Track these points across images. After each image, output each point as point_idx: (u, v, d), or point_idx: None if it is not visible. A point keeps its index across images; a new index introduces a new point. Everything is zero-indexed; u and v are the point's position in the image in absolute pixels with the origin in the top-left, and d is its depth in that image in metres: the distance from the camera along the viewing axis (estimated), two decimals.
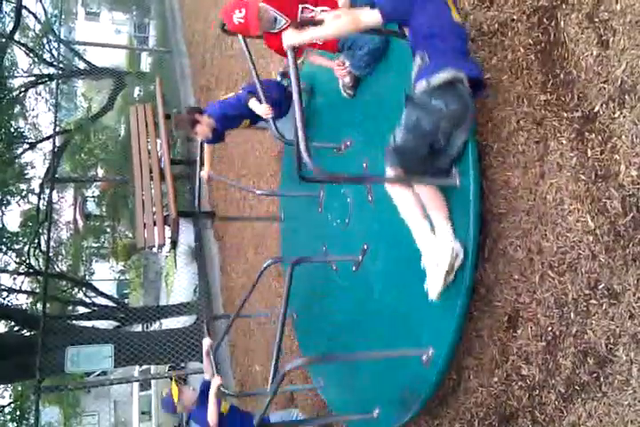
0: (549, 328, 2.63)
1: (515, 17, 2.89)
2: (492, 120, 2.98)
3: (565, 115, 2.58)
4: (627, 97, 2.30)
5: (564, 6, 2.61)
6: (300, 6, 3.53)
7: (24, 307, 12.30)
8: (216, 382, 4.20)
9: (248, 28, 3.59)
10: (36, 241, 12.56)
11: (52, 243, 11.23)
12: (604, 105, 2.40)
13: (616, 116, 2.35)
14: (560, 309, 2.58)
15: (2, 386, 11.50)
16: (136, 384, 17.40)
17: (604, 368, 2.36)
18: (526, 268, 2.76)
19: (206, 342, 4.69)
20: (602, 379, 2.37)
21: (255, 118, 4.74)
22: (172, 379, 4.61)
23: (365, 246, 3.75)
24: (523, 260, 2.79)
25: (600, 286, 2.40)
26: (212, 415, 4.07)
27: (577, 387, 2.48)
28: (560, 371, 2.57)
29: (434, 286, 2.87)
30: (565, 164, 2.57)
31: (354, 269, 3.87)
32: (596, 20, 2.44)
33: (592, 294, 2.43)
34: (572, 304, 2.52)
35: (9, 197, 11.26)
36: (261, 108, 4.40)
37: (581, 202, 2.49)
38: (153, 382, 15.34)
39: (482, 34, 3.09)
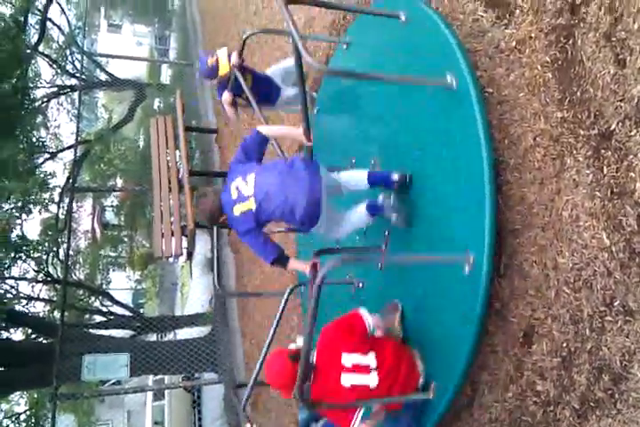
0: (564, 344, 2.63)
1: (532, 35, 2.92)
2: (509, 137, 3.01)
3: (582, 132, 2.60)
4: None
5: (581, 25, 2.64)
6: None
7: (41, 315, 12.41)
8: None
9: None
10: (55, 249, 12.69)
11: (70, 251, 11.35)
12: (621, 123, 2.42)
13: (632, 134, 2.37)
14: (575, 325, 2.59)
15: (17, 393, 11.58)
16: (150, 394, 17.40)
17: (619, 385, 2.36)
18: (542, 284, 2.78)
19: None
20: (617, 396, 2.37)
21: None
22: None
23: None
24: (538, 276, 2.80)
25: (615, 303, 2.41)
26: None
27: (592, 404, 2.49)
28: (575, 387, 2.57)
29: None
30: (581, 180, 2.59)
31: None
32: (614, 39, 2.47)
33: (607, 310, 2.44)
34: (587, 321, 2.53)
35: (31, 206, 11.40)
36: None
37: (597, 219, 2.50)
38: (166, 392, 15.34)
39: (499, 51, 3.12)
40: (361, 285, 4.21)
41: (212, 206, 3.62)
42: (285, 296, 4.11)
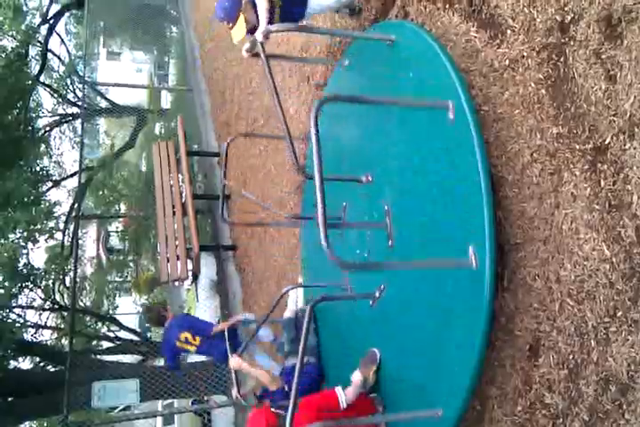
0: (571, 356, 2.66)
1: (525, 53, 2.99)
2: (507, 153, 3.06)
3: (578, 147, 2.66)
4: (636, 129, 2.38)
5: (571, 43, 2.71)
6: None
7: (49, 343, 12.39)
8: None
9: None
10: (61, 277, 12.72)
11: (76, 278, 11.38)
12: (615, 137, 2.48)
13: (627, 147, 2.42)
14: (580, 337, 2.61)
15: (27, 423, 11.52)
16: (159, 419, 17.33)
17: (627, 395, 2.39)
18: (545, 296, 2.81)
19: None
20: (624, 406, 2.40)
21: None
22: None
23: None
24: (541, 289, 2.84)
25: (619, 314, 2.44)
26: None
27: (600, 415, 2.50)
28: (583, 399, 2.59)
29: None
30: (579, 194, 2.64)
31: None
32: (603, 56, 2.54)
33: (611, 321, 2.47)
34: (592, 332, 2.56)
35: (37, 235, 11.46)
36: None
37: (596, 231, 2.55)
38: (176, 416, 15.28)
39: (493, 70, 3.20)
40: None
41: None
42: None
